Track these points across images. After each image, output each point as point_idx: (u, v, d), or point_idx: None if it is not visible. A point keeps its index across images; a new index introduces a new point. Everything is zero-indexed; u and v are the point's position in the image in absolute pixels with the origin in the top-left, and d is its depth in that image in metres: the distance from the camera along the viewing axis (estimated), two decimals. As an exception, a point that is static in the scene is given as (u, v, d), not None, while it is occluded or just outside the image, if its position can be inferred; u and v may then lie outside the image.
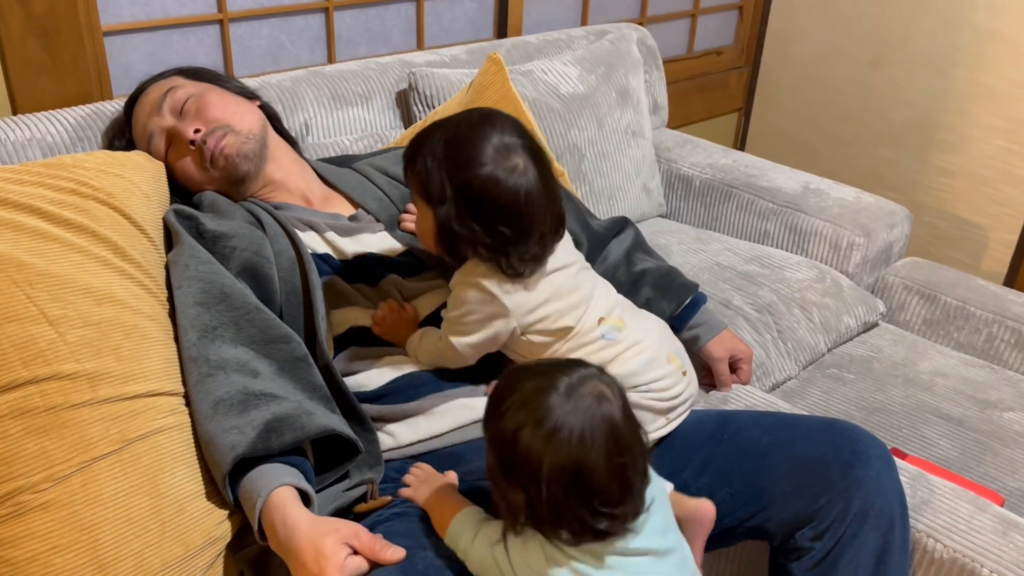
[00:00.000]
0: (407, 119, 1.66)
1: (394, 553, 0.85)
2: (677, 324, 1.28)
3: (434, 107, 1.61)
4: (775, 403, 1.29)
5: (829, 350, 1.60)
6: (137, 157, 1.17)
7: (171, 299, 1.06)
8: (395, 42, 1.91)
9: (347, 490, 0.99)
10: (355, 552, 0.85)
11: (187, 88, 1.22)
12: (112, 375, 0.95)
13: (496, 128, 0.95)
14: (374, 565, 0.85)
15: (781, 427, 1.06)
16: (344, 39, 1.83)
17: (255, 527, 0.90)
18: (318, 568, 0.83)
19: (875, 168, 2.59)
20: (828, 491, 0.97)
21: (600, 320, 1.04)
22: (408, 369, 1.08)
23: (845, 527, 0.96)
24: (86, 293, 0.96)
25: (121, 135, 1.29)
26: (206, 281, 1.05)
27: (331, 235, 1.18)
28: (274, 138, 1.28)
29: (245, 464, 0.94)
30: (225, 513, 0.98)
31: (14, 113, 1.40)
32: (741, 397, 1.30)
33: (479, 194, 0.94)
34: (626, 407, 0.79)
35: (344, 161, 1.38)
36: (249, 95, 1.32)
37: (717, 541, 1.00)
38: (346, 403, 1.04)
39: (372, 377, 1.09)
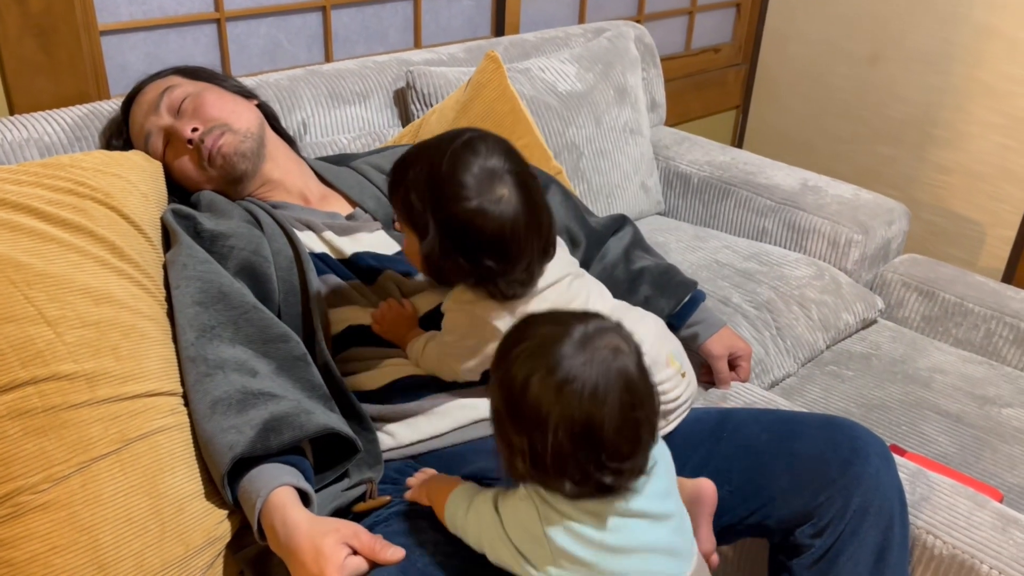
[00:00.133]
0: (405, 118, 1.66)
1: (394, 553, 0.85)
2: (676, 322, 1.28)
3: (432, 105, 1.61)
4: (774, 400, 1.29)
5: (828, 347, 1.60)
6: (135, 157, 1.17)
7: (169, 299, 1.06)
8: (392, 41, 1.91)
9: (346, 490, 0.99)
10: (355, 552, 0.85)
11: (184, 87, 1.22)
12: (111, 375, 0.95)
13: (480, 155, 0.91)
14: (374, 565, 0.85)
15: (780, 424, 1.06)
16: (341, 38, 1.82)
17: (255, 527, 0.90)
18: (318, 568, 0.83)
19: (873, 165, 2.59)
20: (827, 488, 0.97)
21: None
22: (408, 370, 1.08)
23: (844, 524, 0.96)
24: (84, 293, 0.96)
25: (118, 135, 1.28)
26: (204, 281, 1.05)
27: (329, 234, 1.18)
28: (272, 137, 1.28)
29: (244, 464, 0.94)
30: (225, 513, 0.98)
31: (11, 113, 1.40)
32: (740, 395, 1.30)
33: (462, 229, 0.90)
34: (641, 362, 0.76)
35: (342, 160, 1.38)
36: (247, 94, 1.31)
37: (717, 538, 1.00)
38: (345, 402, 1.04)
39: (372, 377, 1.09)
